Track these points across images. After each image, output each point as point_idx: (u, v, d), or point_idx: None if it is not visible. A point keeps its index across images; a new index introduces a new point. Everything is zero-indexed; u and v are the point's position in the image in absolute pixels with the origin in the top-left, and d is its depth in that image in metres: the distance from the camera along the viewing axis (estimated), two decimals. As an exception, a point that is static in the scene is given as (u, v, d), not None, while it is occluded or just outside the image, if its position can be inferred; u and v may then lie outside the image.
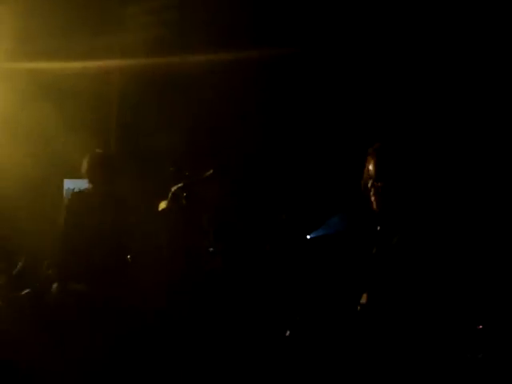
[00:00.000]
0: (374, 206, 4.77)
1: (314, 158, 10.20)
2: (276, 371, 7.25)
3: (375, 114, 9.80)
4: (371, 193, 4.77)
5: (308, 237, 9.24)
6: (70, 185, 11.05)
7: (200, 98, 11.11)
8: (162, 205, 8.46)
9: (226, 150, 10.54)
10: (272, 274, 8.76)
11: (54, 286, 7.87)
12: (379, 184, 4.69)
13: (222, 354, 7.64)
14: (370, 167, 4.77)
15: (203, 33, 10.82)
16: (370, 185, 4.76)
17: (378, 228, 4.85)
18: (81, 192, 8.71)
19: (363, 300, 4.97)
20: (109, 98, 11.78)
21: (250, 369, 7.43)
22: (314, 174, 10.05)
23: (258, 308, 8.23)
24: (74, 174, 11.21)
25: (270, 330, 7.72)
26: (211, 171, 8.16)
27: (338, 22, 10.39)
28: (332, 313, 7.54)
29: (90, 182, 8.12)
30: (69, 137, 10.58)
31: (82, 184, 11.06)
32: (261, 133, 10.62)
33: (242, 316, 8.10)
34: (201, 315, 7.95)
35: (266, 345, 7.55)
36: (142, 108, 11.35)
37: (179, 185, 8.19)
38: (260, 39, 10.78)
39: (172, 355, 7.45)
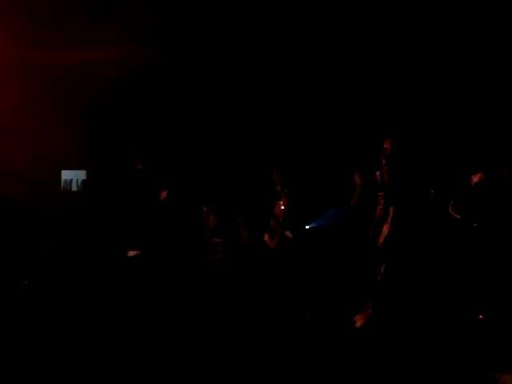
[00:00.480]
0: (386, 183, 4.96)
1: (313, 152, 10.39)
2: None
3: (373, 109, 10.00)
4: (384, 170, 4.96)
5: (307, 227, 9.45)
6: (68, 176, 11.12)
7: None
8: (164, 194, 8.67)
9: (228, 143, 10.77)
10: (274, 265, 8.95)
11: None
12: (393, 162, 4.88)
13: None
14: (386, 145, 4.95)
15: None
16: (384, 162, 4.94)
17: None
18: None
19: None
20: (103, 90, 11.78)
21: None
22: (312, 168, 10.22)
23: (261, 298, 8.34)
24: (72, 165, 11.39)
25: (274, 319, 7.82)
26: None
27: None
28: (336, 301, 7.72)
29: None
30: (66, 129, 10.65)
31: (79, 175, 11.24)
32: (261, 125, 10.82)
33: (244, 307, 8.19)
34: (201, 305, 8.04)
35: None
36: (139, 101, 11.42)
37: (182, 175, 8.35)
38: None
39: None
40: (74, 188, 11.13)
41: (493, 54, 9.61)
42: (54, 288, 8.45)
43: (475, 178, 7.98)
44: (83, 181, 11.12)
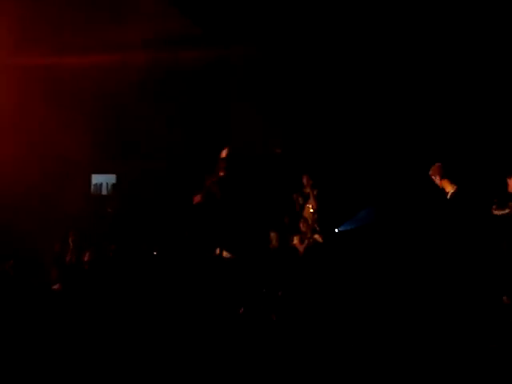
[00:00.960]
0: None
1: (343, 154, 10.35)
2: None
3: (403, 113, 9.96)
4: None
5: (336, 230, 9.41)
6: (98, 179, 11.23)
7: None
8: (197, 198, 8.69)
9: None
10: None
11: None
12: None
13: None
14: None
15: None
16: None
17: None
18: None
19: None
20: (129, 94, 11.83)
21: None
22: (342, 170, 10.18)
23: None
24: (101, 169, 11.48)
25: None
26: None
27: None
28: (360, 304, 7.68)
29: None
30: (95, 132, 10.76)
31: (109, 179, 11.33)
32: (291, 128, 10.83)
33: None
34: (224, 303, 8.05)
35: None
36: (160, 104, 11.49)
37: (213, 179, 8.35)
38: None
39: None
40: (104, 192, 11.24)
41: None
42: (83, 291, 8.53)
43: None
44: (113, 185, 11.22)
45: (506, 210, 7.68)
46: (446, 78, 9.91)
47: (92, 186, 11.24)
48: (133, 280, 8.62)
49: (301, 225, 9.48)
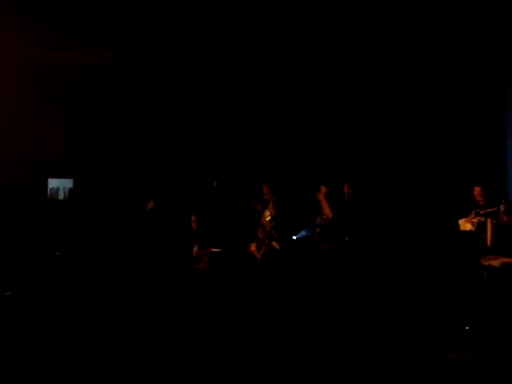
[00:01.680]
0: None
1: (300, 162, 10.39)
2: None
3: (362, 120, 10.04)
4: None
5: (294, 237, 9.41)
6: (55, 184, 11.07)
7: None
8: (151, 204, 8.65)
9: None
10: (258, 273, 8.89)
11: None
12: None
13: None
14: None
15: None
16: None
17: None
18: None
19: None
20: (93, 95, 11.70)
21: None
22: (299, 178, 10.22)
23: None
24: (59, 173, 11.32)
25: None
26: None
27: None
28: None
29: None
30: (52, 136, 10.62)
31: (67, 183, 11.20)
32: (250, 136, 10.84)
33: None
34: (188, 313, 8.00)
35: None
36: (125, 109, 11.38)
37: (171, 185, 8.33)
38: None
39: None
40: (61, 196, 11.10)
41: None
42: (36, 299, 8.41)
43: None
44: (70, 189, 11.08)
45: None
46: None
47: (48, 191, 11.09)
48: (85, 285, 8.53)
49: (258, 232, 9.46)
